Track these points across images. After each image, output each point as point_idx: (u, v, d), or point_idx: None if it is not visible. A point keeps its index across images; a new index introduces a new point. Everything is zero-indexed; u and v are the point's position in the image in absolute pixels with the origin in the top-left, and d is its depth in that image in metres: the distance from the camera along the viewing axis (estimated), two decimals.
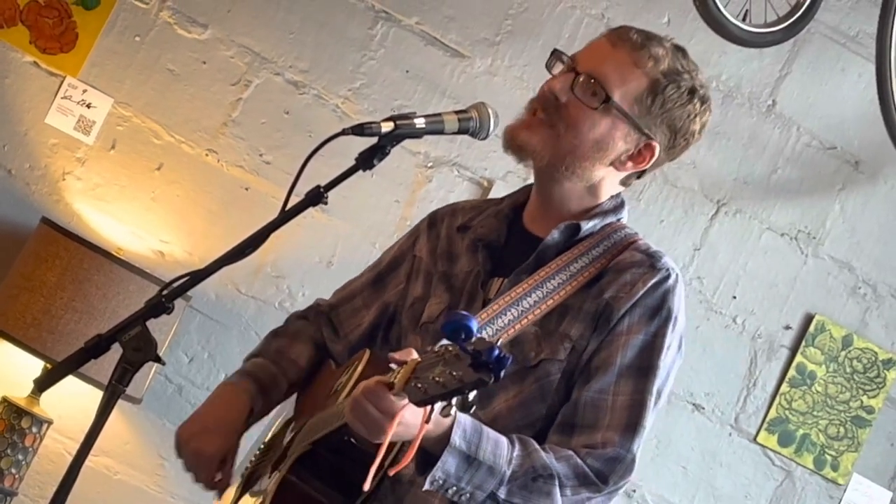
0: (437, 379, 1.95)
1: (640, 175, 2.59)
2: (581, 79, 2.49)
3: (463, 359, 1.92)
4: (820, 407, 4.54)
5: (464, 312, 1.92)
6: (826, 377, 4.55)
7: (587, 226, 2.53)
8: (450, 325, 1.92)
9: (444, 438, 2.26)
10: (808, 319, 4.57)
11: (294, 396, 2.79)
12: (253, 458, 2.80)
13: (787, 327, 4.57)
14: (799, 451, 4.53)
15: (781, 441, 4.53)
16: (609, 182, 2.57)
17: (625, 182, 2.60)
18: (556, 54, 2.57)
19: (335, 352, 2.78)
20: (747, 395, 4.53)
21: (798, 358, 4.54)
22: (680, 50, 2.55)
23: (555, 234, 2.52)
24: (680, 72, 2.51)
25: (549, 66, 2.57)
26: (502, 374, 1.90)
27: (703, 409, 4.51)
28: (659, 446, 4.47)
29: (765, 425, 4.52)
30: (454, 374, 1.93)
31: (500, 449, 2.31)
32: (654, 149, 2.52)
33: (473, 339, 1.91)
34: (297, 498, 2.41)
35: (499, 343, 1.89)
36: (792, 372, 4.54)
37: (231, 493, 2.77)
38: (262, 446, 2.82)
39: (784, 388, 4.53)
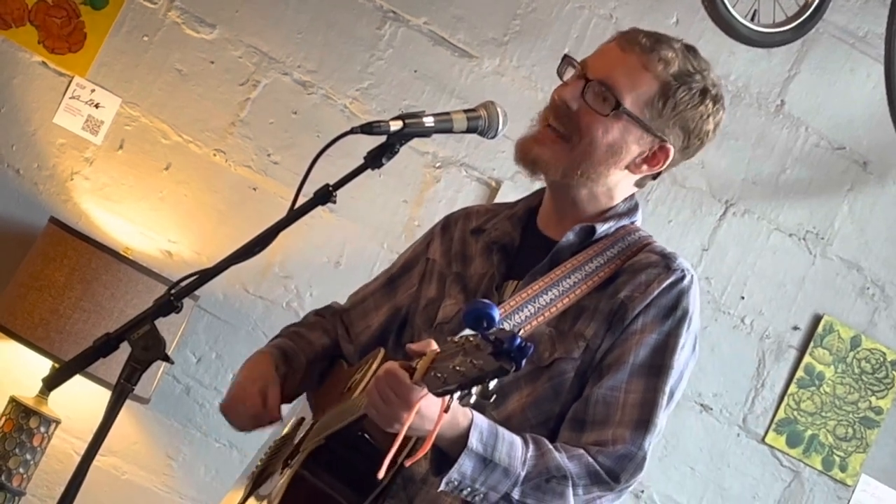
0: (457, 368, 1.95)
1: (655, 176, 2.60)
2: (591, 86, 2.49)
3: (484, 348, 1.91)
4: (828, 408, 4.53)
5: (486, 301, 1.92)
6: (834, 378, 4.54)
7: (602, 228, 2.54)
8: (472, 314, 1.92)
9: (461, 440, 2.27)
10: (817, 320, 4.56)
11: (304, 396, 2.79)
12: (263, 457, 2.80)
13: (796, 328, 4.56)
14: (807, 451, 4.53)
15: (790, 442, 4.52)
16: (624, 184, 2.57)
17: (639, 183, 2.60)
18: (566, 60, 2.57)
19: (347, 352, 2.79)
20: (755, 395, 4.53)
21: (806, 358, 4.54)
22: (690, 50, 2.54)
23: (570, 236, 2.53)
24: (691, 73, 2.51)
25: (560, 72, 2.58)
26: (524, 363, 1.90)
27: (712, 409, 4.51)
28: (667, 447, 4.46)
29: (773, 426, 4.52)
30: (474, 363, 1.92)
31: (515, 450, 2.32)
32: (669, 151, 2.52)
33: (495, 328, 1.91)
34: (308, 492, 2.41)
35: (520, 332, 1.89)
36: (800, 372, 4.53)
37: (242, 489, 2.78)
38: (272, 445, 2.83)
39: (792, 388, 4.53)
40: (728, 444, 4.52)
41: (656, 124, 2.50)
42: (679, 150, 2.54)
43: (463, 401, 1.97)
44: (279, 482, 2.52)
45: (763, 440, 4.53)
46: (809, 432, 4.53)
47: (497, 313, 1.91)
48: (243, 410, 2.67)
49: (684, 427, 4.48)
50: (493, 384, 1.94)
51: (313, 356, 2.78)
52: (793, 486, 4.54)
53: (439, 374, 1.99)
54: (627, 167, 2.53)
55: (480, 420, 2.30)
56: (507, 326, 2.41)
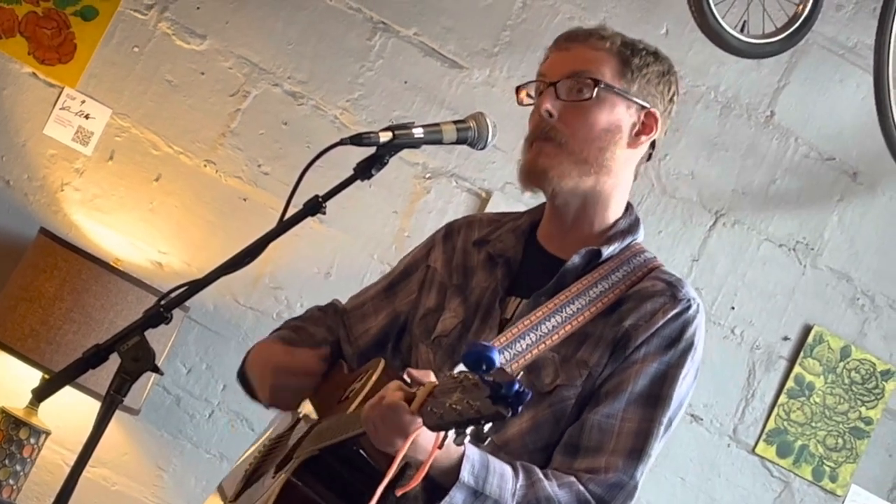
0: (454, 406, 1.94)
1: (649, 157, 2.60)
2: (562, 84, 2.52)
3: (482, 389, 1.91)
4: (818, 418, 4.53)
5: (486, 343, 1.92)
6: (824, 388, 4.54)
7: (607, 251, 2.53)
8: (471, 356, 1.91)
9: (452, 472, 2.27)
10: (807, 330, 4.56)
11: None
12: (257, 455, 2.80)
13: (786, 338, 4.56)
14: (797, 462, 4.53)
15: (780, 452, 4.53)
16: (627, 170, 2.56)
17: (636, 169, 2.59)
18: (519, 89, 2.61)
19: (346, 353, 2.77)
20: (746, 406, 4.53)
21: (796, 369, 4.54)
22: (618, 32, 2.60)
23: (576, 259, 2.51)
24: (632, 42, 2.58)
25: (520, 102, 2.61)
26: (520, 409, 1.89)
27: (702, 420, 4.51)
28: (657, 457, 4.45)
29: (763, 436, 4.52)
30: (471, 403, 1.92)
31: (506, 482, 2.32)
32: (655, 114, 2.55)
33: (494, 370, 1.90)
34: (299, 502, 2.41)
35: (519, 376, 1.89)
36: (790, 383, 4.54)
37: (233, 487, 2.77)
38: (266, 443, 2.82)
39: (782, 399, 4.53)
40: (718, 455, 4.52)
41: (634, 91, 2.53)
42: (661, 113, 2.57)
43: (457, 440, 1.97)
44: (271, 487, 2.52)
45: (753, 450, 4.53)
46: (800, 442, 4.53)
47: (497, 356, 1.91)
48: (283, 364, 2.68)
49: (674, 438, 4.44)
50: (487, 427, 1.94)
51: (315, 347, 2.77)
52: (783, 496, 4.54)
53: (435, 410, 1.98)
54: (628, 144, 2.54)
55: (472, 452, 2.30)
56: (508, 355, 2.41)
